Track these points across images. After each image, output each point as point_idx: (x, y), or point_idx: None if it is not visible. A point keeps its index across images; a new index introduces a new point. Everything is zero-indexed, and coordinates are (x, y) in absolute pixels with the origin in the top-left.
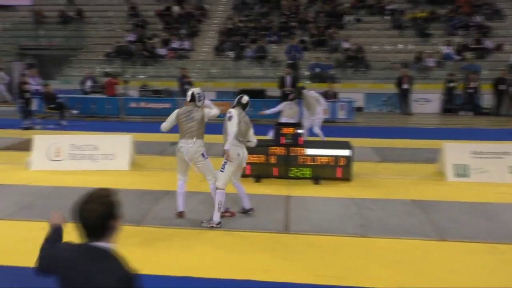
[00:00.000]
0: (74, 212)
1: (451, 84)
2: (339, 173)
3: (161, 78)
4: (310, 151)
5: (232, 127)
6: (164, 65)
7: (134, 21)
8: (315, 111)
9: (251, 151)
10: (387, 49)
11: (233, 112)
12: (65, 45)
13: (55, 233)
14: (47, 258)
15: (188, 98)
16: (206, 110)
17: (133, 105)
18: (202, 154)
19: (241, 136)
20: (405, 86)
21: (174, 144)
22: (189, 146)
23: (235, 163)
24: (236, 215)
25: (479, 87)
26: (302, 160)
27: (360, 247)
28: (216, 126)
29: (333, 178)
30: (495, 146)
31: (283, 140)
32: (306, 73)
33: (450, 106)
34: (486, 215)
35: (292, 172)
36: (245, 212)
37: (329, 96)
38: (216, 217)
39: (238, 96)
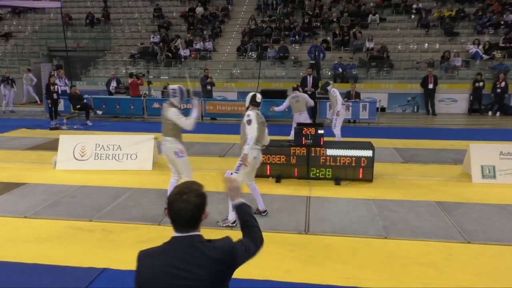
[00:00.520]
0: (170, 203)
1: (479, 84)
2: (360, 174)
3: (184, 78)
4: (331, 152)
5: (252, 131)
6: (187, 65)
7: (158, 23)
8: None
9: (272, 151)
10: (413, 48)
11: (252, 114)
12: (92, 47)
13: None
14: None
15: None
16: (171, 112)
17: (156, 105)
18: (175, 153)
19: (258, 139)
20: (431, 86)
21: None
22: (164, 144)
23: (250, 165)
24: (209, 213)
25: (508, 87)
26: (323, 160)
27: (382, 249)
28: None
29: (354, 179)
30: None
31: (304, 141)
32: (329, 73)
33: (477, 107)
34: None
35: (313, 172)
36: (259, 213)
37: (351, 96)
38: (231, 216)
39: (251, 95)
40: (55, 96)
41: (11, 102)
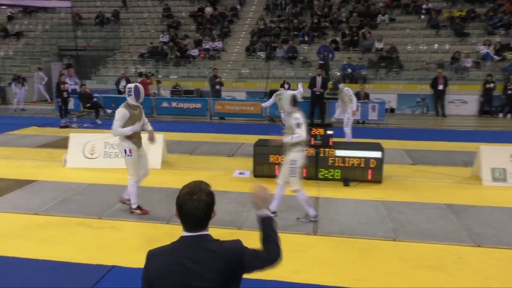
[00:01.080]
0: (181, 204)
1: (489, 85)
2: (369, 175)
3: (193, 78)
4: (340, 153)
5: (303, 132)
6: (196, 65)
7: (168, 22)
8: (346, 109)
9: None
10: (422, 49)
11: (300, 117)
12: (102, 46)
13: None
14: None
15: None
16: (117, 111)
17: (165, 104)
18: (124, 150)
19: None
20: (441, 87)
21: None
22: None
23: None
24: (148, 212)
25: None
26: (332, 161)
27: (391, 251)
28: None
29: (363, 180)
30: None
31: (313, 141)
32: (338, 73)
33: (488, 108)
34: None
35: (322, 173)
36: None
37: (360, 97)
38: (311, 211)
39: (291, 96)
40: (65, 94)
41: (22, 101)
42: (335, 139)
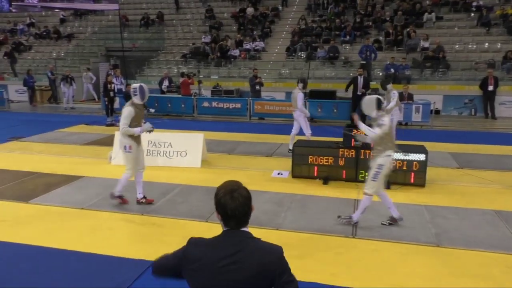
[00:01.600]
0: (225, 203)
1: None
2: (412, 178)
3: (233, 78)
4: None
5: (376, 133)
6: (237, 65)
7: (210, 23)
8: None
9: (320, 153)
10: (472, 48)
11: (386, 120)
12: (146, 47)
13: None
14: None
15: None
16: (123, 110)
17: (205, 104)
18: (124, 147)
19: (390, 146)
20: (491, 87)
21: None
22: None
23: (387, 170)
24: (128, 202)
25: None
26: None
27: (433, 257)
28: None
29: (405, 184)
30: None
31: (353, 142)
32: (380, 74)
33: None
34: None
35: (362, 175)
36: (395, 222)
37: (404, 97)
38: (356, 216)
39: (375, 99)
40: (111, 94)
41: (71, 100)
42: None
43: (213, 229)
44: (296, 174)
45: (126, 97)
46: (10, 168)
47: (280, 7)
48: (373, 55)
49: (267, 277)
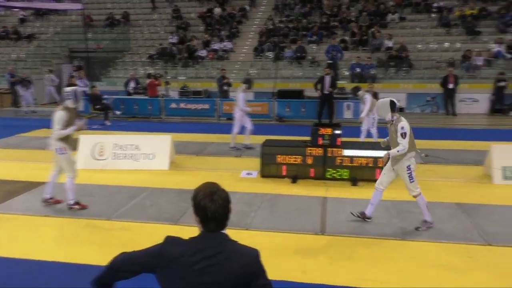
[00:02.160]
0: (205, 206)
1: (501, 84)
2: (378, 174)
3: (201, 79)
4: (348, 152)
5: (406, 144)
6: (204, 66)
7: (177, 23)
8: (373, 110)
9: (288, 152)
10: (433, 47)
11: (406, 126)
12: (111, 48)
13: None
14: (144, 256)
15: None
16: (56, 114)
17: (173, 105)
18: (56, 149)
19: (412, 147)
20: (451, 85)
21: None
22: (50, 141)
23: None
24: (87, 207)
25: None
26: (339, 161)
27: (400, 251)
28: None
29: (372, 180)
30: None
31: (321, 141)
32: (346, 73)
33: (499, 107)
34: None
35: (329, 173)
36: (363, 217)
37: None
38: (429, 217)
39: (388, 102)
40: None
41: (30, 103)
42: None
43: (183, 231)
44: (265, 173)
45: (92, 99)
46: None
47: (247, 7)
48: (339, 54)
49: (244, 280)
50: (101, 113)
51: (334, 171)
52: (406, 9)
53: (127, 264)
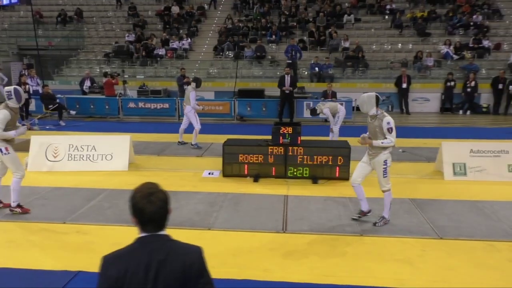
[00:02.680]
0: (142, 208)
1: (450, 84)
2: (337, 172)
3: (160, 78)
4: (308, 151)
5: (393, 138)
6: (163, 65)
7: (133, 21)
8: (337, 112)
9: (250, 151)
10: (387, 48)
11: (391, 121)
12: (64, 45)
13: None
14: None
15: None
16: (0, 114)
17: (131, 105)
18: (0, 150)
19: None
20: (404, 85)
21: None
22: None
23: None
24: (29, 211)
25: (478, 86)
26: (300, 159)
27: (359, 246)
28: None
29: (331, 178)
30: (493, 144)
31: (281, 140)
32: (306, 73)
33: (449, 105)
34: (483, 213)
35: (291, 171)
36: (363, 215)
37: (328, 95)
38: (387, 214)
39: (374, 96)
40: (26, 96)
41: None
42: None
43: None
44: (227, 173)
45: (44, 98)
46: None
47: (206, 6)
48: (298, 54)
49: (190, 277)
50: (54, 113)
51: (295, 170)
52: (361, 11)
53: None
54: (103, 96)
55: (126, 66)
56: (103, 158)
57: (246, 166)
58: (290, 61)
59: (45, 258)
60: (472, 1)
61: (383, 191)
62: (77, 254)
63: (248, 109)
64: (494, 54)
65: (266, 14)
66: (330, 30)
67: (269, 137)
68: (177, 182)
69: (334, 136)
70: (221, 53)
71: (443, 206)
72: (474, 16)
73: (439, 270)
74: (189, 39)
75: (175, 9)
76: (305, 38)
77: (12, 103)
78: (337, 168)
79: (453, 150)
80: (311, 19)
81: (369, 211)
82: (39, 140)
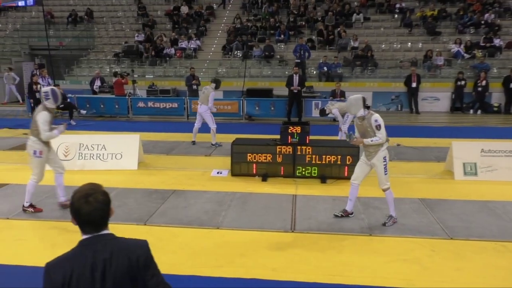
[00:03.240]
0: (78, 208)
1: (461, 83)
2: (346, 172)
3: (169, 77)
4: (317, 150)
5: (384, 134)
6: (172, 64)
7: (143, 21)
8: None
9: (258, 150)
10: (396, 47)
11: (379, 119)
12: (75, 45)
13: None
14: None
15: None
16: (40, 115)
17: (141, 104)
18: (34, 152)
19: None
20: (414, 84)
21: None
22: (28, 142)
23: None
24: (42, 210)
25: (489, 86)
26: (309, 159)
27: (367, 246)
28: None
29: (340, 178)
30: (505, 144)
31: (290, 139)
32: (314, 72)
33: (459, 105)
34: (495, 213)
35: (299, 171)
36: (346, 215)
37: (336, 95)
38: (393, 212)
39: (361, 98)
40: (37, 95)
41: None
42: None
43: (152, 231)
44: (236, 172)
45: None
46: None
47: (215, 6)
48: (307, 54)
49: (138, 271)
50: (65, 113)
51: (304, 169)
52: (370, 10)
53: None
54: (113, 96)
55: (136, 66)
56: (113, 157)
57: (254, 165)
58: (299, 61)
59: (55, 256)
60: (483, 0)
61: (384, 190)
62: None
63: (257, 108)
64: (505, 53)
65: (274, 13)
66: (339, 29)
67: (278, 136)
68: (186, 181)
69: (343, 135)
70: (229, 53)
71: (453, 206)
72: (486, 15)
73: (448, 271)
74: (198, 41)
75: (184, 9)
76: (313, 37)
77: (50, 104)
78: (346, 167)
79: (463, 150)
80: (319, 18)
81: (351, 213)
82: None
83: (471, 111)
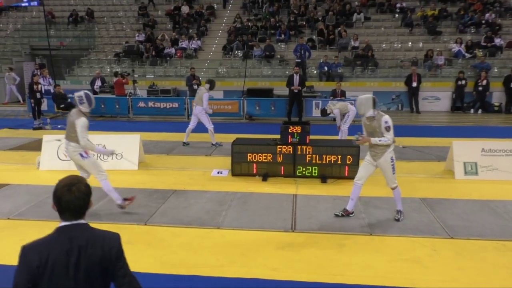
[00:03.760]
0: (61, 196)
1: (461, 82)
2: (346, 171)
3: (170, 77)
4: (317, 150)
5: (392, 136)
6: (173, 64)
7: (143, 21)
8: (347, 112)
9: (258, 150)
10: (397, 47)
11: (389, 120)
12: (75, 45)
13: None
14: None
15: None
16: (79, 122)
17: (141, 104)
18: (80, 155)
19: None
20: (414, 84)
21: None
22: (68, 148)
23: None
24: (135, 197)
25: (489, 85)
26: (309, 158)
27: (368, 245)
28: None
29: (340, 177)
30: (506, 143)
31: (290, 139)
32: (315, 72)
33: (460, 104)
34: (495, 212)
35: (299, 170)
36: (347, 214)
37: (337, 94)
38: (401, 207)
39: (371, 99)
40: (38, 95)
41: None
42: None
43: (153, 231)
44: (236, 172)
45: (56, 98)
46: None
47: (215, 6)
48: (307, 53)
49: (109, 261)
50: (66, 113)
51: (304, 169)
52: (370, 9)
53: None
54: (114, 96)
55: (136, 66)
56: (113, 157)
57: (255, 165)
58: (299, 60)
59: None
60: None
61: (393, 188)
62: None
63: (257, 108)
64: (506, 53)
65: (275, 13)
66: (339, 29)
67: (278, 136)
68: (186, 181)
69: (343, 135)
70: (230, 53)
71: (454, 205)
72: (487, 15)
73: (449, 270)
74: (198, 40)
75: (185, 9)
76: (314, 37)
77: (84, 108)
78: (346, 167)
79: (464, 149)
80: (320, 18)
81: (352, 212)
82: (50, 139)
83: (472, 110)
